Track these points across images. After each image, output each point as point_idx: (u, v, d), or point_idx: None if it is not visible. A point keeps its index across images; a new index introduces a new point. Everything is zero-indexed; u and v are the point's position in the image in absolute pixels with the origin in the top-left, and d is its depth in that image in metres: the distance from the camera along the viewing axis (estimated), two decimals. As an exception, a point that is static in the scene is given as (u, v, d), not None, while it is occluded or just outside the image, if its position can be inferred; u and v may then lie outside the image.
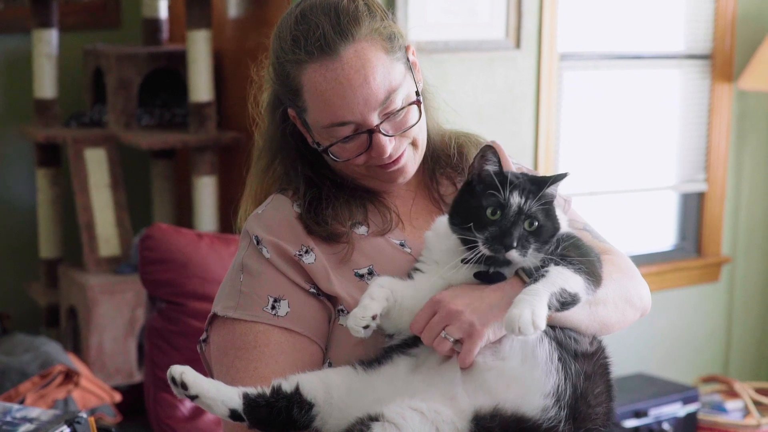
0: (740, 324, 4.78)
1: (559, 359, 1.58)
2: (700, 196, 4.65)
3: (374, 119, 1.71)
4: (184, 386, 1.59)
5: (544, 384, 1.55)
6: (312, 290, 1.74)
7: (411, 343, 1.66)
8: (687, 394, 4.19)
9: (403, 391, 1.58)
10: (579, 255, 1.63)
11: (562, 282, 1.57)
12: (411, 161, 1.80)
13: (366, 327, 1.60)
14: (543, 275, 1.58)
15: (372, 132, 1.72)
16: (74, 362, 3.61)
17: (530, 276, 1.60)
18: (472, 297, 1.62)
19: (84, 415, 2.26)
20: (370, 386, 1.62)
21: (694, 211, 4.67)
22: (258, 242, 1.77)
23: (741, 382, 4.47)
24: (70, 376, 3.46)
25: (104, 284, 3.99)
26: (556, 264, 1.60)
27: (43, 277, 4.45)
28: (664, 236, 4.72)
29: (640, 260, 4.53)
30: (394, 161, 1.76)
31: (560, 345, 1.61)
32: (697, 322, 4.70)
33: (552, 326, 1.62)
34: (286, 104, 1.80)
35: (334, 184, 1.82)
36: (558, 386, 1.55)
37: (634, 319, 1.82)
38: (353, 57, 1.69)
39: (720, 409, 4.32)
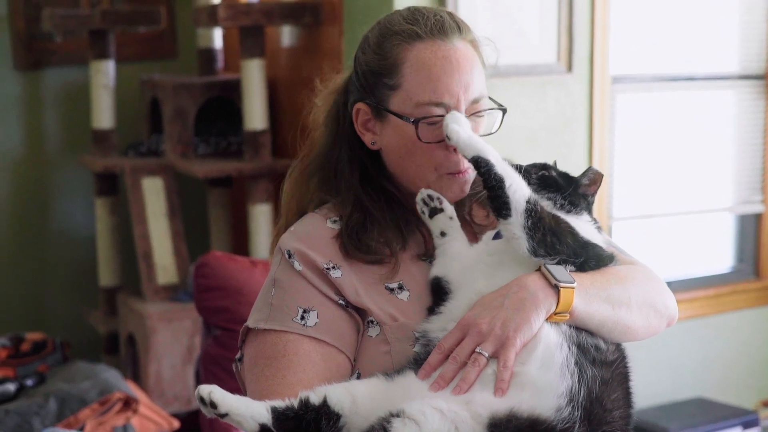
0: (801, 346, 4.72)
1: (576, 363, 1.60)
2: (758, 218, 4.60)
3: (463, 110, 1.77)
4: (213, 405, 1.60)
5: (558, 385, 1.57)
6: (341, 302, 1.76)
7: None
8: (747, 418, 4.14)
9: (424, 395, 1.61)
10: (597, 262, 1.73)
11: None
12: (471, 177, 1.83)
13: None
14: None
15: None
16: (133, 389, 3.65)
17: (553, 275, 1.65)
18: (493, 307, 1.65)
19: (141, 441, 2.29)
20: (393, 392, 1.64)
21: (752, 232, 4.63)
22: (290, 256, 1.80)
23: (802, 406, 4.41)
24: (128, 403, 3.49)
25: (162, 312, 4.03)
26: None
27: (103, 306, 4.50)
28: (721, 259, 4.67)
29: (697, 283, 4.49)
30: (463, 171, 1.80)
31: (580, 350, 1.62)
32: (757, 345, 4.64)
33: (577, 329, 1.66)
34: (355, 98, 1.82)
35: (384, 200, 1.83)
36: (572, 387, 1.57)
37: (660, 326, 1.82)
38: (463, 48, 1.80)
39: (781, 433, 4.27)
